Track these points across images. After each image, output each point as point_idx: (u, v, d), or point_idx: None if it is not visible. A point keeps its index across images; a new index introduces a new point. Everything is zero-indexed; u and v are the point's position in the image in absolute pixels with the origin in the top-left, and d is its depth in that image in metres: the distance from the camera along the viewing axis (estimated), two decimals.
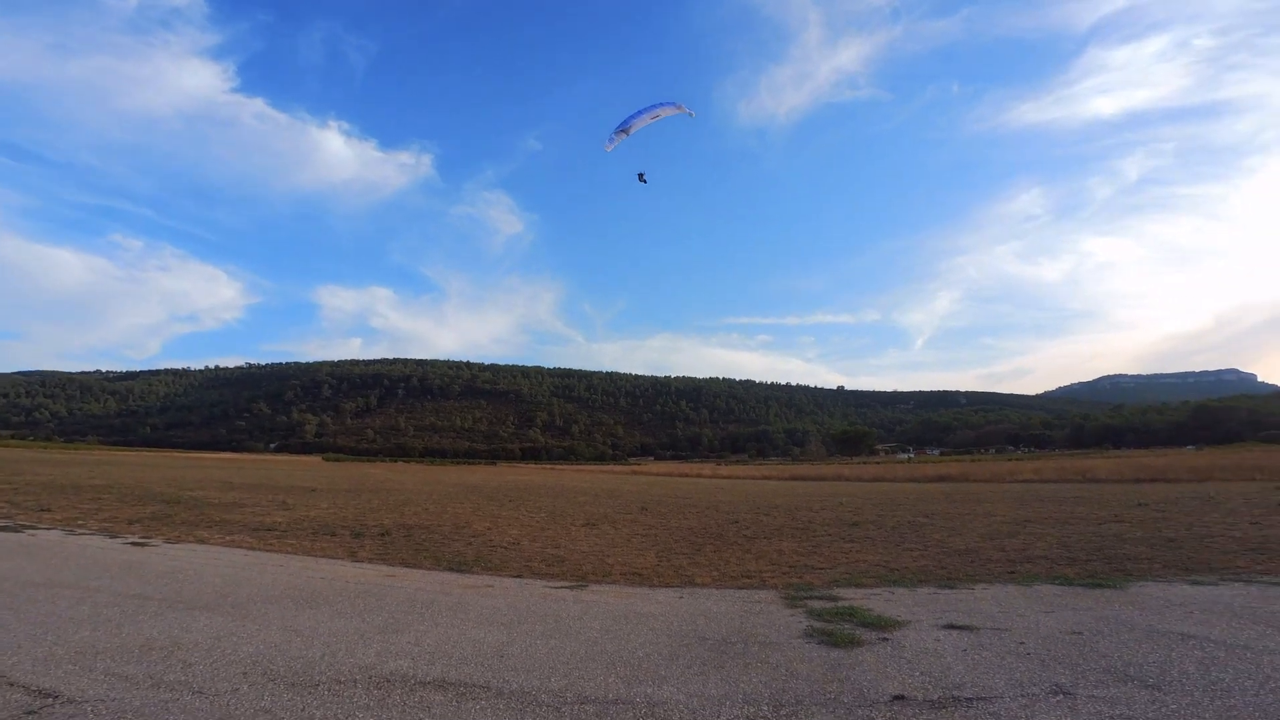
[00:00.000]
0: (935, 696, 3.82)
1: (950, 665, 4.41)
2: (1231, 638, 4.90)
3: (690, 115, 19.10)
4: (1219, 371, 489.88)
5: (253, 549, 10.48)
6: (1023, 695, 3.79)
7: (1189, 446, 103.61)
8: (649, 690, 4.05)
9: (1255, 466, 32.50)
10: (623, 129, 17.68)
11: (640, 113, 17.71)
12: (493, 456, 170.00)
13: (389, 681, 4.18)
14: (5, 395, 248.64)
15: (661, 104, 17.94)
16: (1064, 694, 3.78)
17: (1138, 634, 5.06)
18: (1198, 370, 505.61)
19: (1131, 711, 3.48)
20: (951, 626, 5.43)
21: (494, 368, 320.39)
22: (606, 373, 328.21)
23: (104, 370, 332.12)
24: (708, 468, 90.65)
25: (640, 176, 20.82)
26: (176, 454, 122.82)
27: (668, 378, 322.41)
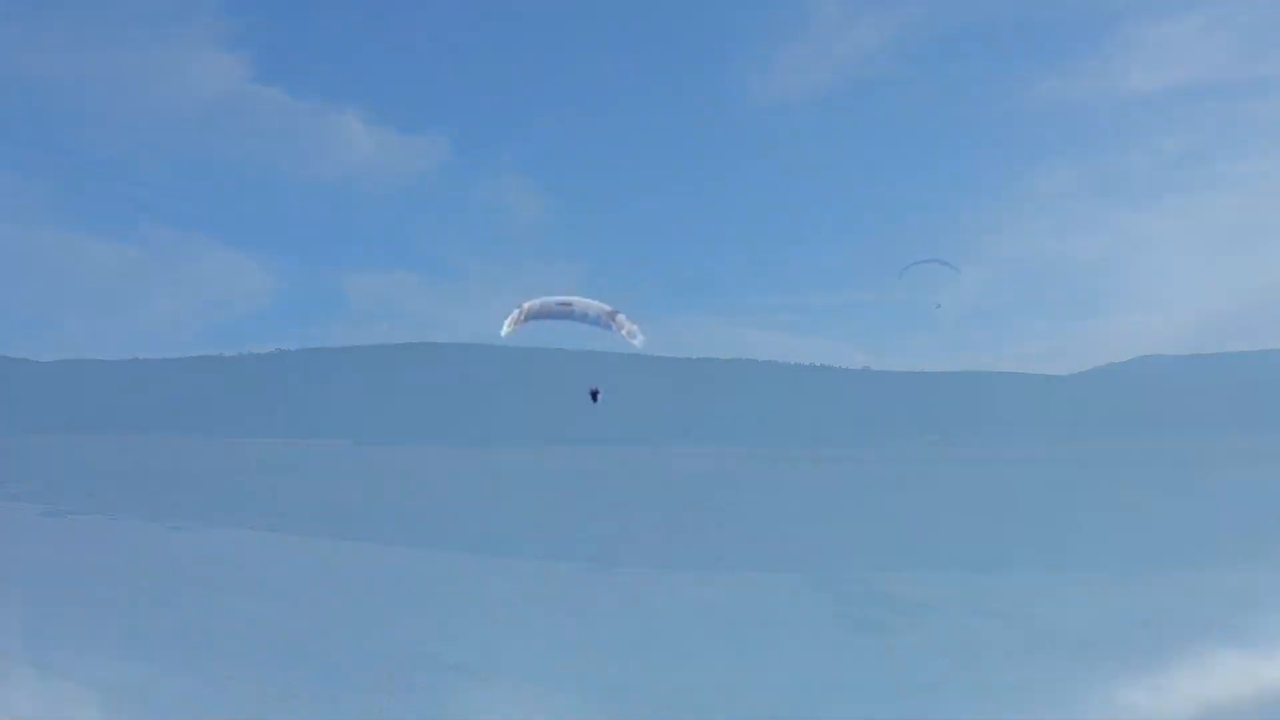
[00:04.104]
0: None
1: None
2: None
3: (958, 272, 25.99)
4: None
5: None
6: None
7: None
8: None
9: None
10: (903, 270, 25.05)
11: (918, 263, 24.78)
12: None
13: None
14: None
15: (932, 259, 24.92)
16: None
17: None
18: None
19: None
20: None
21: None
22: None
23: (141, 358, 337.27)
24: None
25: (937, 306, 28.45)
26: None
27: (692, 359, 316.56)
